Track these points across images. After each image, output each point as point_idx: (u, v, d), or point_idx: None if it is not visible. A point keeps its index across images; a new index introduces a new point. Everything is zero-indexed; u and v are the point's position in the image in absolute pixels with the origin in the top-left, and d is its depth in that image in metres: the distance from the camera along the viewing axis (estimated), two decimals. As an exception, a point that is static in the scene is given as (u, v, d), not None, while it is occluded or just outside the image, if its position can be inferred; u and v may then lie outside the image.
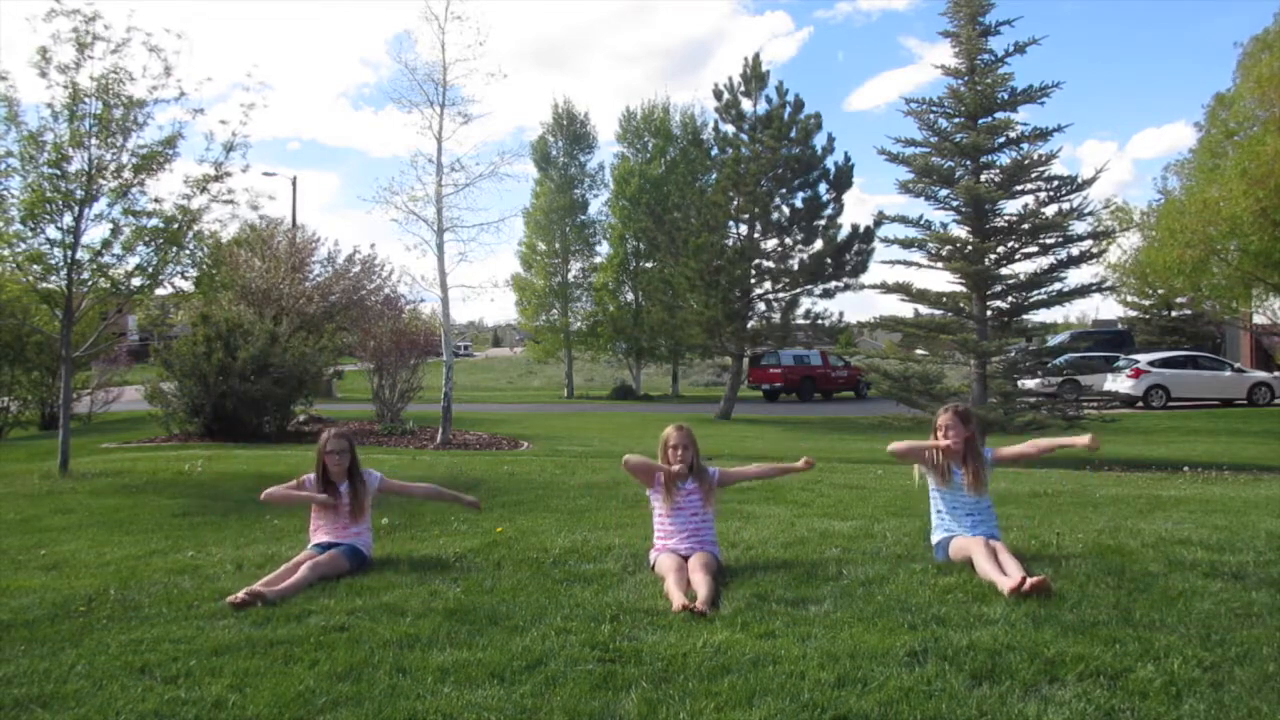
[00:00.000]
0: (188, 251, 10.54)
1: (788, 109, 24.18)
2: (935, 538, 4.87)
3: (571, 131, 35.42)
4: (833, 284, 24.73)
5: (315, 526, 5.09)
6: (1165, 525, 5.82)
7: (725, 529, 5.93)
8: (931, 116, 15.24)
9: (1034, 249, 14.99)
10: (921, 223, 15.20)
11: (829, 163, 24.71)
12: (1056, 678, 3.07)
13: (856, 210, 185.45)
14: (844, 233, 24.56)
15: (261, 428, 15.38)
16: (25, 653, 3.58)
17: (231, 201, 10.47)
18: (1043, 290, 14.96)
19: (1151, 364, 24.83)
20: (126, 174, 9.87)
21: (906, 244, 15.11)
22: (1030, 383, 17.97)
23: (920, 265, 15.36)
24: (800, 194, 24.88)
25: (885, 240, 15.48)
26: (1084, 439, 4.89)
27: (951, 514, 4.84)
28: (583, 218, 35.52)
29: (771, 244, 25.00)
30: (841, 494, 7.73)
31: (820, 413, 26.17)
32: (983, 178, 14.88)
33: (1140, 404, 23.89)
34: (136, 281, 10.38)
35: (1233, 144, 21.30)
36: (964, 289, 15.06)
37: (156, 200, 10.19)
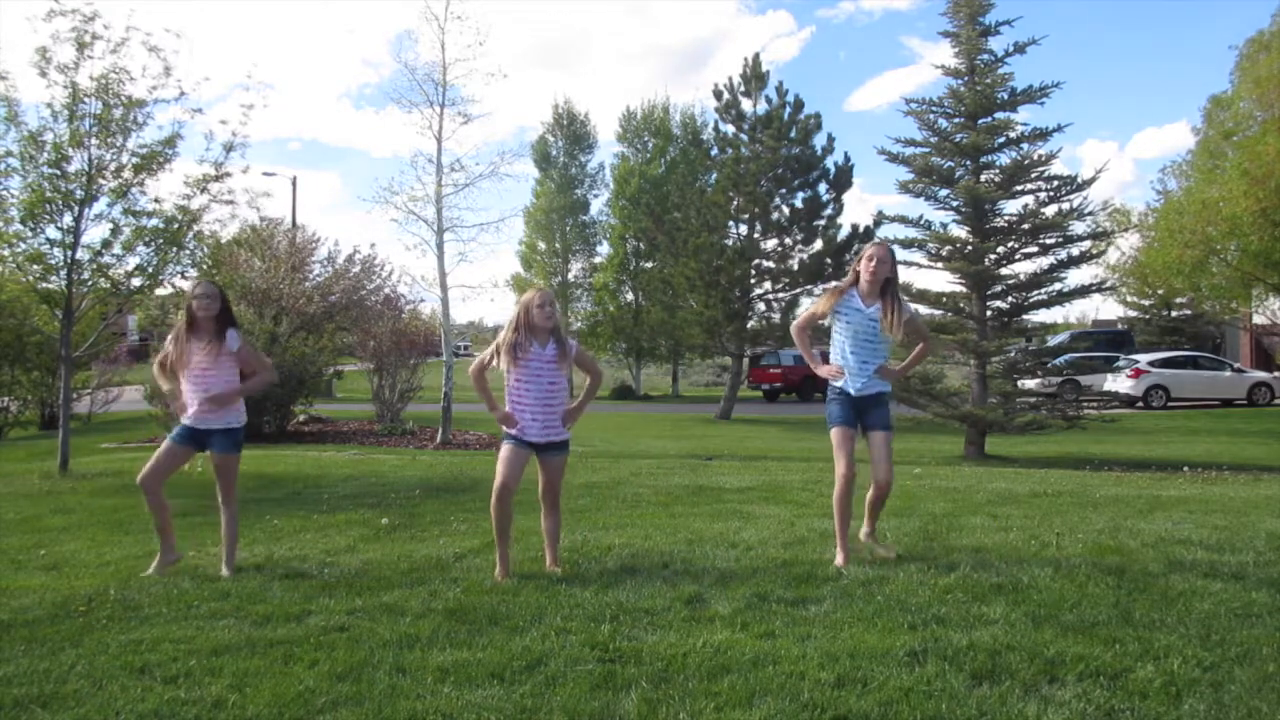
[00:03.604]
0: (188, 251, 10.54)
1: (788, 109, 24.16)
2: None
3: (572, 131, 35.42)
4: (833, 284, 24.69)
5: (185, 391, 4.90)
6: (1165, 525, 5.82)
7: (725, 529, 5.94)
8: (931, 116, 15.23)
9: (1034, 249, 14.97)
10: (921, 223, 15.19)
11: (829, 163, 24.69)
12: (1056, 678, 3.07)
13: (856, 210, 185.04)
14: (844, 233, 24.52)
15: (261, 428, 15.37)
16: (25, 653, 3.57)
17: (231, 201, 10.48)
18: (1043, 290, 14.94)
19: (1151, 364, 24.82)
20: (126, 174, 9.86)
21: (906, 244, 15.10)
22: (1030, 383, 17.94)
23: (920, 265, 15.36)
24: (800, 194, 24.85)
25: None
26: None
27: (852, 349, 4.84)
28: (583, 218, 35.51)
29: (771, 244, 24.97)
30: (841, 494, 7.71)
31: (820, 413, 26.11)
32: (983, 178, 14.86)
33: (1140, 404, 23.88)
34: (136, 281, 10.38)
35: (1231, 145, 21.30)
36: (964, 289, 15.04)
37: (156, 200, 10.19)
